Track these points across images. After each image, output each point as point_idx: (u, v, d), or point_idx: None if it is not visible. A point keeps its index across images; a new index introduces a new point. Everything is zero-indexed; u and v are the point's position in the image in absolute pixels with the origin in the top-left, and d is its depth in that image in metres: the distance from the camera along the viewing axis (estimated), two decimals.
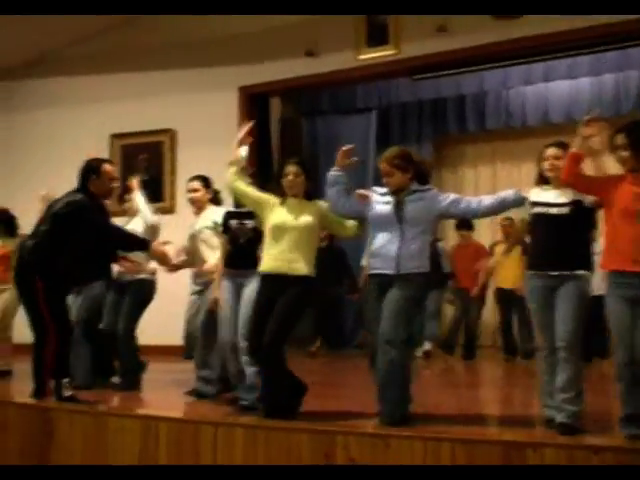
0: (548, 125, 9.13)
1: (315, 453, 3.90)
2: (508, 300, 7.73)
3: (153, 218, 5.68)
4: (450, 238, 9.01)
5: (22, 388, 5.07)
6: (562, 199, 3.99)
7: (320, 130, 9.67)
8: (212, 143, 8.55)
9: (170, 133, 8.82)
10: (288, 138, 9.61)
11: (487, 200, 4.24)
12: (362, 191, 4.42)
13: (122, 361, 5.71)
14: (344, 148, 4.38)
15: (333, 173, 4.36)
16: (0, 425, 4.88)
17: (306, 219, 4.44)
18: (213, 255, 5.24)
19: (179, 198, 8.46)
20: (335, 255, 8.18)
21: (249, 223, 4.81)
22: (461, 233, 8.22)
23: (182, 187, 8.38)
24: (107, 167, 5.09)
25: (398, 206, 4.21)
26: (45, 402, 4.79)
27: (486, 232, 9.09)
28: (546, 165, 4.06)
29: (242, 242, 4.81)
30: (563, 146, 4.05)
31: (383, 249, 4.21)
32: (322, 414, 4.49)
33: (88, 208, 4.92)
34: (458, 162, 10.04)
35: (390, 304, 4.11)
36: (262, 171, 8.85)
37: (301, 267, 4.38)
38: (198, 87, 8.64)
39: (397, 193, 4.23)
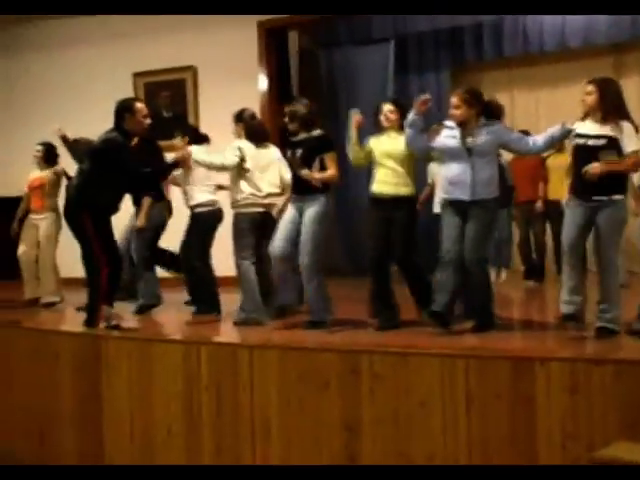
0: (565, 50, 9.36)
1: (343, 371, 4.42)
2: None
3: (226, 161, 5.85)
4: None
5: (71, 318, 5.61)
6: (599, 132, 4.59)
7: (338, 61, 9.94)
8: (233, 78, 8.93)
9: (192, 70, 9.15)
10: (307, 70, 9.91)
11: (540, 139, 4.99)
12: (435, 127, 5.11)
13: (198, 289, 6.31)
14: (422, 97, 5.09)
15: (412, 116, 5.08)
16: (52, 353, 5.45)
17: (403, 147, 5.27)
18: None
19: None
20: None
21: (299, 152, 5.38)
22: None
23: (206, 122, 8.88)
24: (139, 105, 5.53)
25: (465, 139, 4.94)
26: (93, 330, 5.34)
27: None
28: (582, 100, 4.67)
29: (295, 170, 5.41)
30: (595, 82, 4.63)
31: (457, 178, 4.96)
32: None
33: (123, 146, 5.38)
34: None
35: (474, 228, 4.93)
36: (283, 104, 9.25)
37: (405, 189, 5.31)
38: (217, 22, 8.91)
39: (462, 126, 4.96)
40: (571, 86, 9.60)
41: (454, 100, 4.99)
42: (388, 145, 5.34)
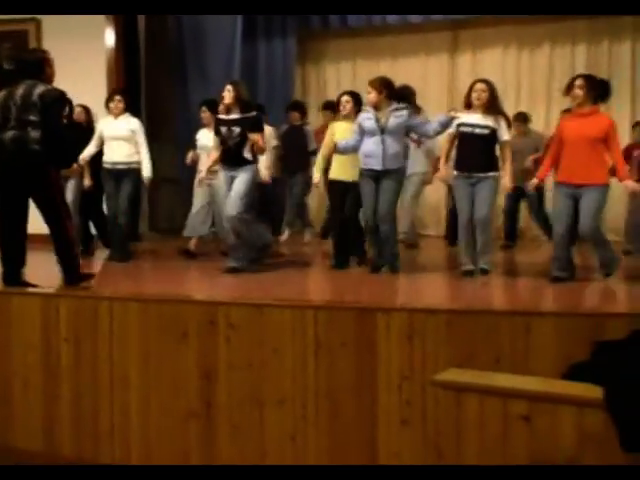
0: (406, 24, 9.97)
1: (201, 321, 4.81)
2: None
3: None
4: None
5: None
6: (484, 123, 5.99)
7: (186, 23, 10.08)
8: (79, 33, 8.95)
9: (35, 21, 9.11)
10: (155, 30, 10.05)
11: (434, 124, 6.18)
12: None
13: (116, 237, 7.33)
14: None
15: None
16: None
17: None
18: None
19: None
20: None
21: (236, 130, 6.28)
22: None
23: None
24: (51, 55, 5.64)
25: (379, 121, 6.10)
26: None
27: None
28: (474, 95, 6.03)
29: (231, 145, 6.31)
30: (486, 82, 6.11)
31: (371, 152, 6.12)
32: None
33: (66, 98, 5.56)
34: (321, 57, 10.78)
35: (386, 192, 6.11)
36: (130, 67, 9.40)
37: (353, 175, 6.43)
38: None
39: (376, 108, 6.15)
40: (410, 58, 10.38)
41: (368, 88, 6.19)
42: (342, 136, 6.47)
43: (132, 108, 9.26)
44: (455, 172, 6.16)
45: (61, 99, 5.45)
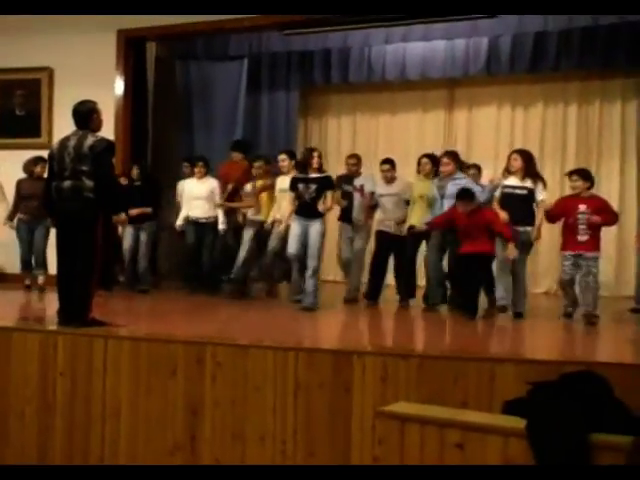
0: (405, 81, 10.47)
1: (189, 360, 5.17)
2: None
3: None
4: None
5: None
6: (522, 185, 7.07)
7: (193, 74, 10.60)
8: (89, 82, 9.39)
9: (48, 70, 9.62)
10: (163, 80, 10.56)
11: (486, 193, 7.30)
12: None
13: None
14: None
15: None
16: None
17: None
18: None
19: (55, 135, 9.31)
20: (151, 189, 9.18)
21: (312, 187, 7.34)
22: None
23: (59, 124, 9.36)
24: (98, 105, 6.05)
25: (440, 189, 7.46)
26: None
27: None
28: (510, 163, 7.19)
29: (307, 199, 7.35)
30: (519, 152, 7.32)
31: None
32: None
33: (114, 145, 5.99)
34: (323, 111, 11.28)
35: (451, 245, 7.35)
36: (138, 115, 9.89)
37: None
38: (77, 26, 9.33)
39: (449, 175, 7.45)
40: (408, 113, 10.85)
41: (445, 159, 7.57)
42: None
43: (139, 155, 9.82)
44: None
45: (109, 149, 5.80)
